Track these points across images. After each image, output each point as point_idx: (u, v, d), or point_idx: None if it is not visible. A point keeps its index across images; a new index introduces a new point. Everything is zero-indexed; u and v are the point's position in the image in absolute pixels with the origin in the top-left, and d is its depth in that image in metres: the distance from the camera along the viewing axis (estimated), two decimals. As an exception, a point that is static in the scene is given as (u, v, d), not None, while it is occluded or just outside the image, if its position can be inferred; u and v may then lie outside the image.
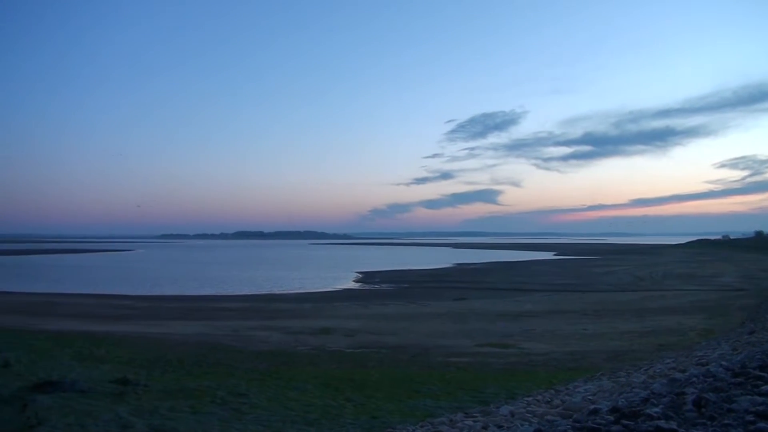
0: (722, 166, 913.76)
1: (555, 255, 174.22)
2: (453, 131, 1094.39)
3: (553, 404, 7.39)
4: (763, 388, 5.15)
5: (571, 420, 5.56)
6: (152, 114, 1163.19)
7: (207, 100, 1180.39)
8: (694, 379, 6.18)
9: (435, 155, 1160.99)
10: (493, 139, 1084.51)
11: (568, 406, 6.74)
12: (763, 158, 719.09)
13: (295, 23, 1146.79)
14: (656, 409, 4.88)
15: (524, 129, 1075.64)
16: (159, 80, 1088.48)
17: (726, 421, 4.41)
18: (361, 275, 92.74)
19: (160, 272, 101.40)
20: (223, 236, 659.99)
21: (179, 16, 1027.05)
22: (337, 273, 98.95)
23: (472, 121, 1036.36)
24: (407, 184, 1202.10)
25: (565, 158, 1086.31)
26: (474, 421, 7.28)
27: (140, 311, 43.56)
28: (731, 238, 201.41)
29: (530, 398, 8.46)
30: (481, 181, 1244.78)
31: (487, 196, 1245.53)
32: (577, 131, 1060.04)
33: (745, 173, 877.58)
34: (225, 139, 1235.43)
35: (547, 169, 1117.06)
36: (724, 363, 7.42)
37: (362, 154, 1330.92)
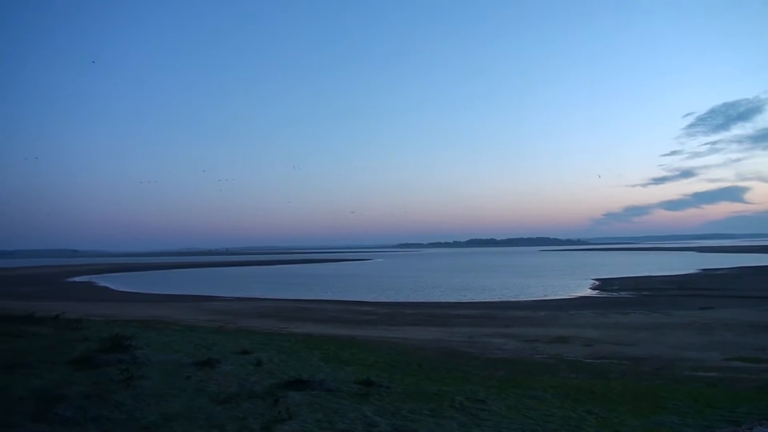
0: None
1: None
2: (692, 125, 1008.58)
3: (824, 428, 6.57)
4: None
5: None
6: (383, 128, 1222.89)
7: (443, 113, 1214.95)
8: None
9: (673, 152, 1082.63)
10: (737, 130, 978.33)
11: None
12: None
13: (542, 36, 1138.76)
14: None
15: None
16: (382, 96, 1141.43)
17: None
18: (597, 282, 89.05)
19: (396, 280, 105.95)
20: (456, 244, 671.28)
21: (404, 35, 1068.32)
22: (571, 280, 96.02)
23: (712, 113, 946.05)
24: (644, 185, 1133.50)
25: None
26: (728, 442, 6.72)
27: (380, 317, 45.80)
28: None
29: (794, 420, 7.60)
30: (725, 177, 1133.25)
31: (732, 194, 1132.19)
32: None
33: None
34: (457, 150, 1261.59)
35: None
36: None
37: (594, 156, 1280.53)
